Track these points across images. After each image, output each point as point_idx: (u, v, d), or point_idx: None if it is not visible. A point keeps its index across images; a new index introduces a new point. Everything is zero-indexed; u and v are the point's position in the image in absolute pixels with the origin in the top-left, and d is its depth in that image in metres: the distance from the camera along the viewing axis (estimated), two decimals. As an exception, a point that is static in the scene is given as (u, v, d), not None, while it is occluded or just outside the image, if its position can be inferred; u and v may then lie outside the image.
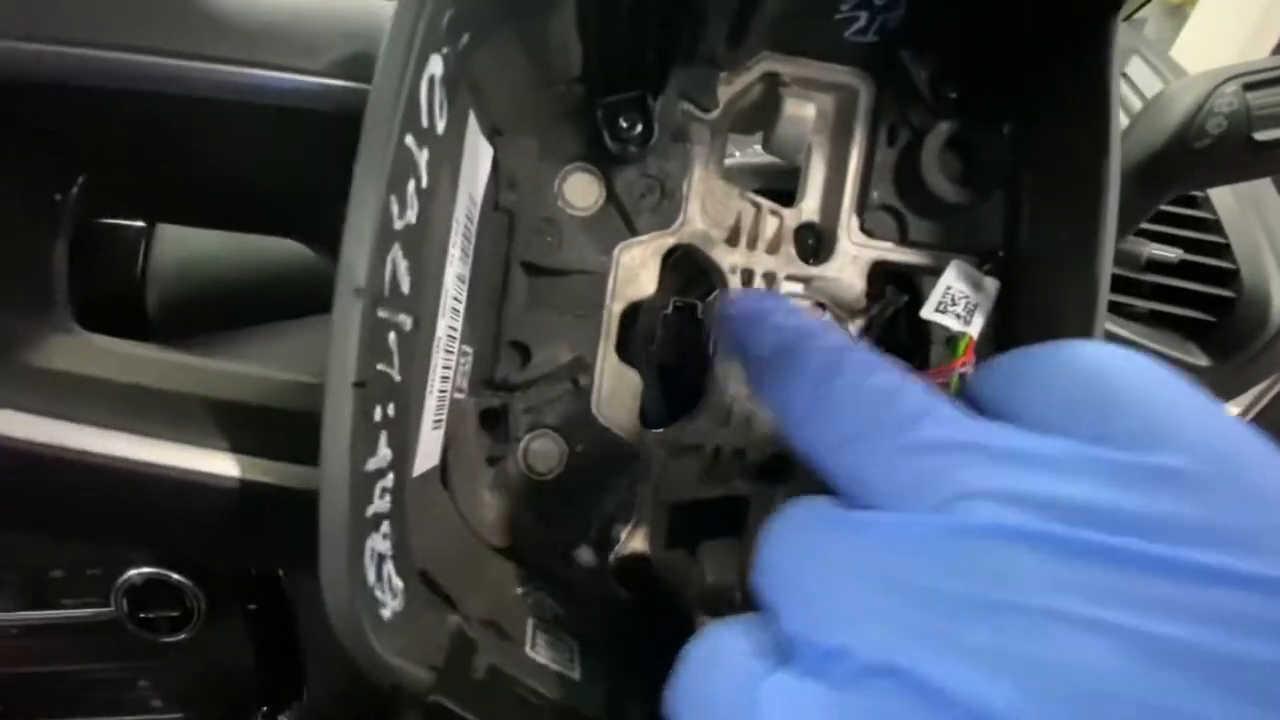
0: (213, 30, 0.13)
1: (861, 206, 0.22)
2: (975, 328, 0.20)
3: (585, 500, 0.22)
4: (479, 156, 0.17)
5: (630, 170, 0.21)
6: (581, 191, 0.21)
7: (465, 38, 0.12)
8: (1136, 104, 0.50)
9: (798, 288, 0.22)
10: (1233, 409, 0.51)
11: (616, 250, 0.21)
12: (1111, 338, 0.46)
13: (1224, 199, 0.46)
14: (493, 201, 0.20)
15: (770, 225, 0.22)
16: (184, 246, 0.29)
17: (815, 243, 0.23)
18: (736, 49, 0.20)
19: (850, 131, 0.22)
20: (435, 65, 0.11)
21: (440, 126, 0.12)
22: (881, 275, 0.23)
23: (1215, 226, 0.45)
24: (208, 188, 0.16)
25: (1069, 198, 0.19)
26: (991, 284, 0.21)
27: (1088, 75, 0.17)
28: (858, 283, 0.22)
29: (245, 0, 0.14)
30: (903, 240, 0.22)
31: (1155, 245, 0.42)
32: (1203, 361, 0.45)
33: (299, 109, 0.14)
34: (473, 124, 0.15)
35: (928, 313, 0.21)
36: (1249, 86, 0.26)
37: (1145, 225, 0.44)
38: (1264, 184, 0.48)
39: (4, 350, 0.14)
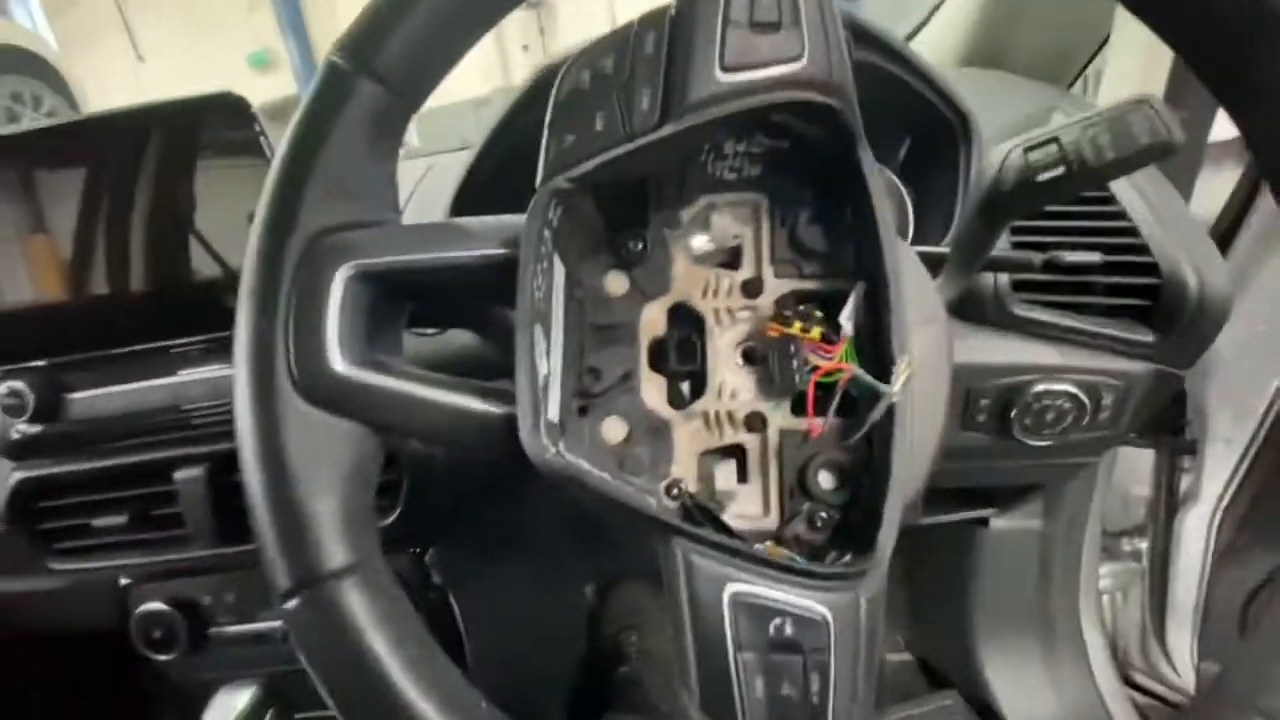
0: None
1: (773, 260, 0.38)
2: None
3: (645, 456, 0.38)
4: (561, 275, 0.35)
5: (640, 267, 0.39)
6: (616, 283, 0.39)
7: (558, 214, 0.31)
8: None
9: (746, 313, 0.38)
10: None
11: (642, 310, 0.39)
12: (1075, 331, 0.58)
13: (1137, 208, 0.57)
14: (573, 296, 0.38)
15: (725, 282, 0.39)
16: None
17: (754, 287, 0.39)
18: (686, 197, 0.38)
19: (760, 222, 0.38)
20: (548, 240, 0.29)
21: (545, 269, 0.30)
22: (803, 298, 0.38)
23: (1133, 231, 0.57)
24: None
25: (875, 250, 0.34)
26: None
27: (857, 180, 0.33)
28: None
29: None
30: (802, 277, 0.38)
31: (1075, 253, 0.54)
32: (1150, 338, 0.55)
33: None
34: (557, 261, 0.34)
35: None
36: (1028, 149, 0.40)
37: (1076, 237, 0.57)
38: (1170, 192, 0.59)
39: None
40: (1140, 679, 0.98)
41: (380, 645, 0.26)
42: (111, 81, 3.28)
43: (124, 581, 0.64)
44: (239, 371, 0.27)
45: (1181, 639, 0.81)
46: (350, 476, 0.28)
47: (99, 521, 0.57)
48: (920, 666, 1.04)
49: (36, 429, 0.53)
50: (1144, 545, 0.95)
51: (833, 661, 0.25)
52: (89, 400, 0.54)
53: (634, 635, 0.96)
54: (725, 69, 0.30)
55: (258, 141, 0.49)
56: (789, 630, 0.25)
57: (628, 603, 1.01)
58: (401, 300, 0.34)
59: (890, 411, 0.31)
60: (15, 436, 0.54)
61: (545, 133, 0.32)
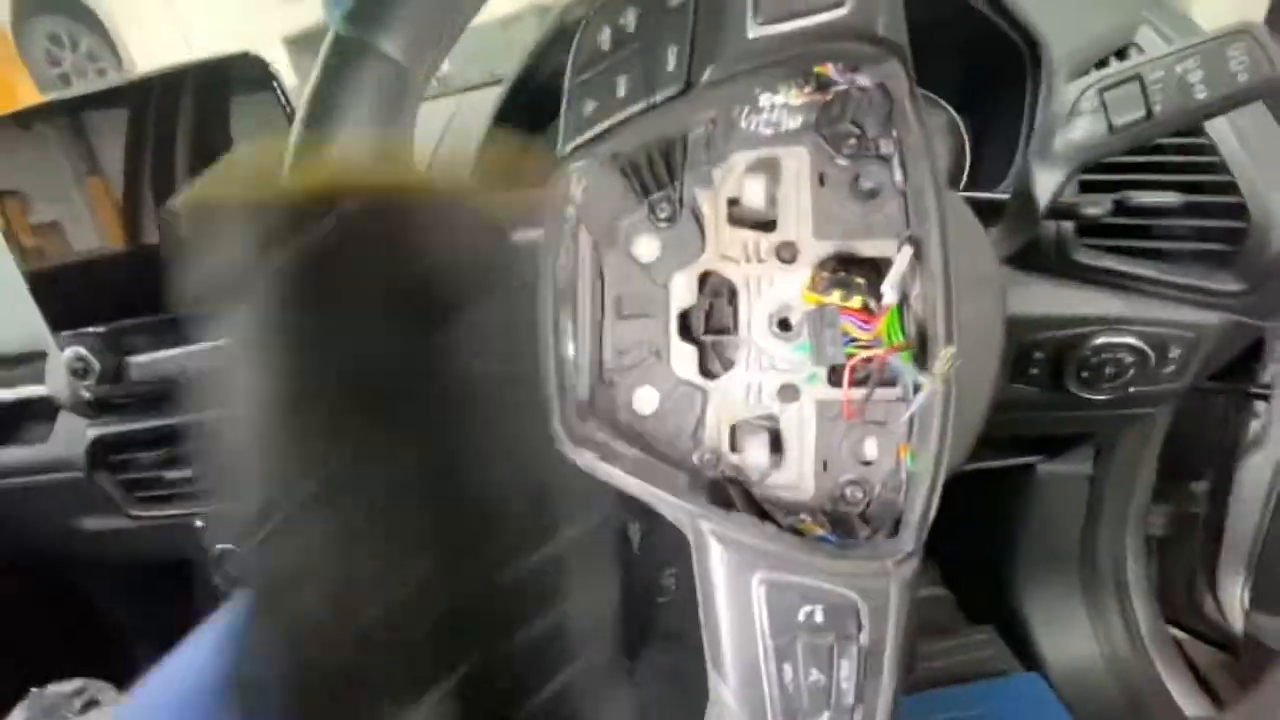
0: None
1: (812, 221, 0.36)
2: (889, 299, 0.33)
3: (676, 424, 0.37)
4: (588, 246, 0.34)
5: (670, 230, 0.37)
6: (645, 249, 0.37)
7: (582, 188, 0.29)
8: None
9: (783, 279, 0.36)
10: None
11: (672, 276, 0.37)
12: (1146, 280, 0.53)
13: (1228, 142, 0.52)
14: (599, 266, 0.37)
15: (761, 245, 0.37)
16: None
17: (791, 251, 0.37)
18: (718, 154, 0.36)
19: (799, 180, 0.36)
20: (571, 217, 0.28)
21: (570, 247, 0.29)
22: (844, 263, 0.36)
23: (1221, 167, 0.51)
24: None
25: (922, 212, 0.31)
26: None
27: (906, 135, 0.30)
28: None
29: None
30: (843, 239, 0.35)
31: (1150, 193, 0.49)
32: (1233, 287, 0.51)
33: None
34: (584, 233, 0.33)
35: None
36: (1104, 89, 0.36)
37: (1154, 174, 0.52)
38: (1269, 124, 0.53)
39: None
40: (1185, 619, 0.97)
41: None
42: (145, 15, 3.27)
43: (200, 523, 0.69)
44: None
45: (1232, 586, 0.80)
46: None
47: (170, 474, 0.61)
48: (956, 602, 1.05)
49: (103, 390, 0.57)
50: (1201, 489, 0.91)
51: (863, 647, 0.25)
52: (149, 363, 0.57)
53: (673, 571, 1.00)
54: (760, 21, 0.27)
55: (279, 102, 0.48)
56: (819, 617, 0.26)
57: (668, 541, 1.04)
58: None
59: (931, 395, 0.29)
60: (85, 396, 0.58)
61: (564, 97, 0.30)
